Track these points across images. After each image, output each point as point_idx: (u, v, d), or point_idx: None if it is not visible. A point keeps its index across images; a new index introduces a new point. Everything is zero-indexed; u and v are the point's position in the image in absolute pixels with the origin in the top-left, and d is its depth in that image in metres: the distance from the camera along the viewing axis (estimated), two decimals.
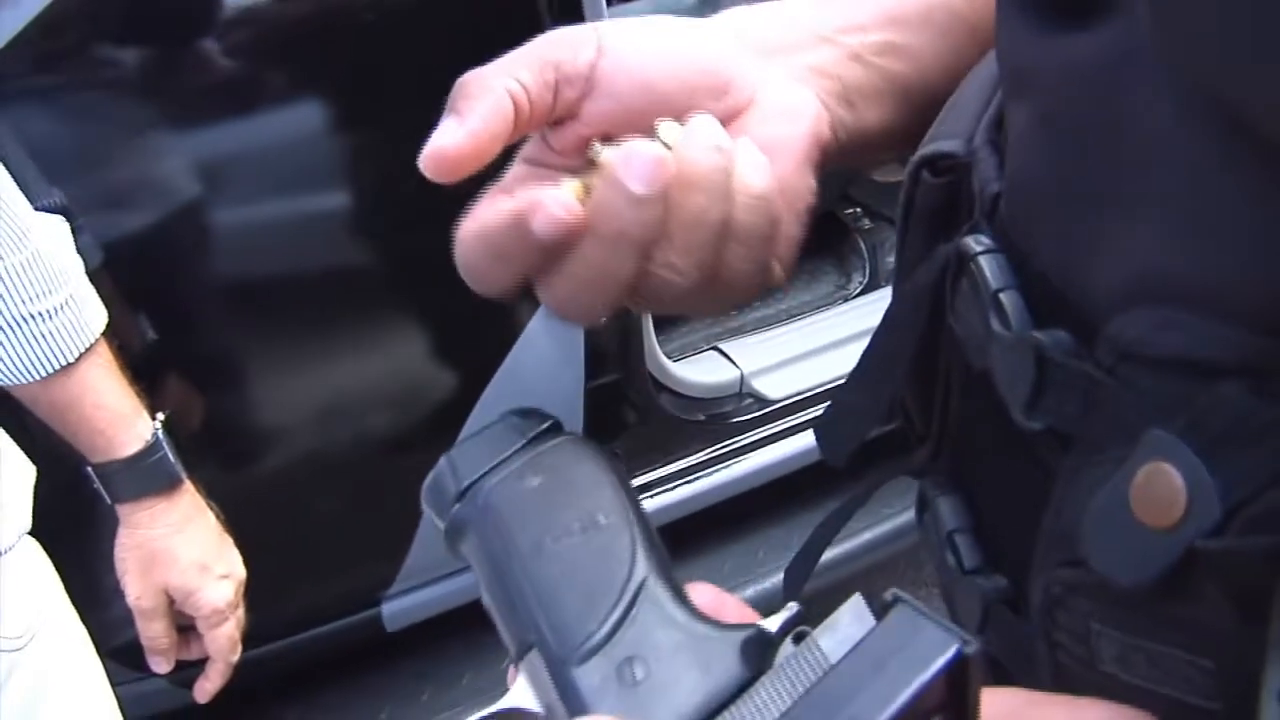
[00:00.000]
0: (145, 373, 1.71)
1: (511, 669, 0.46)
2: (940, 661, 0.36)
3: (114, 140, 1.64)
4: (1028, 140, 0.52)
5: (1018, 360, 0.49)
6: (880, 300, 2.53)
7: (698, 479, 2.29)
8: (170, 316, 1.75)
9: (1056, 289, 0.49)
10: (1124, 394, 0.45)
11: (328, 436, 1.91)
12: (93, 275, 1.37)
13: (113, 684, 1.83)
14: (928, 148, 0.60)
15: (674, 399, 2.26)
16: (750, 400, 2.37)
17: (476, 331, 1.94)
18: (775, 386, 2.38)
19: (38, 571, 1.05)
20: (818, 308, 2.62)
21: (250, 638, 1.96)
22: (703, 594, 0.45)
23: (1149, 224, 0.44)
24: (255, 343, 1.83)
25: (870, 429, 0.61)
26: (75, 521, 1.75)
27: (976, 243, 0.52)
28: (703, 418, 2.32)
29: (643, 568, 0.44)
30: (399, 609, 2.04)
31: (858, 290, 2.70)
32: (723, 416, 2.35)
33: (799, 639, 0.40)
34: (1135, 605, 0.44)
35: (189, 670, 1.94)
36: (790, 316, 2.59)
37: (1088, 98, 0.47)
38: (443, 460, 0.50)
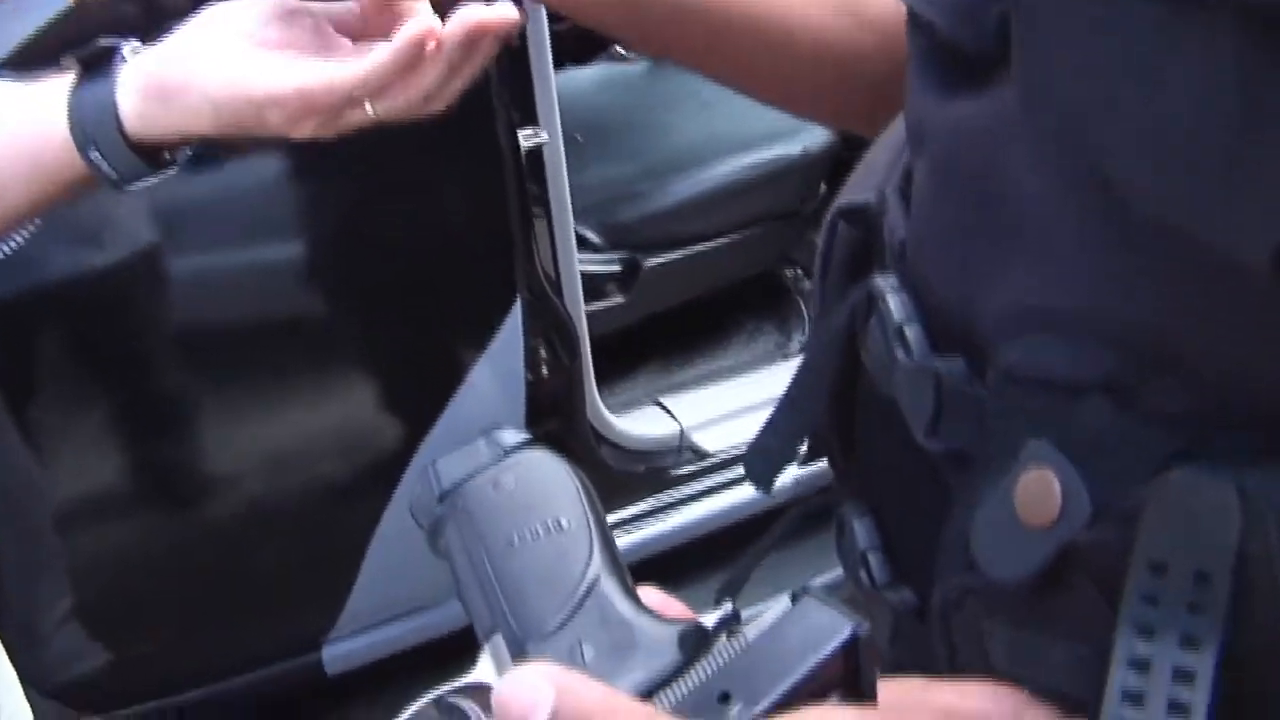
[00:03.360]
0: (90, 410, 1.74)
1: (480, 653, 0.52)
2: (835, 641, 0.41)
3: None
4: (925, 191, 0.58)
5: (919, 387, 0.54)
6: None
7: (638, 530, 2.34)
8: (115, 361, 1.79)
9: (953, 322, 0.54)
10: (1009, 413, 0.50)
11: (271, 481, 1.94)
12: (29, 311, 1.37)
13: None
14: (843, 200, 0.65)
15: (614, 451, 2.30)
16: (690, 453, 2.42)
17: (420, 382, 1.98)
18: (715, 440, 2.43)
19: None
20: (757, 365, 2.66)
21: (191, 679, 1.98)
22: (651, 595, 0.50)
23: (1023, 264, 0.50)
24: (204, 389, 1.85)
25: (791, 458, 0.66)
26: (7, 555, 1.77)
27: (884, 283, 0.58)
28: (643, 470, 2.37)
29: (597, 567, 0.49)
30: (340, 653, 2.06)
31: (797, 349, 2.74)
32: (663, 469, 2.39)
33: (731, 633, 0.45)
34: (1018, 601, 0.49)
35: (126, 711, 1.95)
36: (731, 373, 2.63)
37: (972, 155, 0.53)
38: (428, 467, 0.55)
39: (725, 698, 0.42)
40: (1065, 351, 0.48)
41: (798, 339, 2.78)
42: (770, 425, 0.67)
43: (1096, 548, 0.44)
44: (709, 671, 0.43)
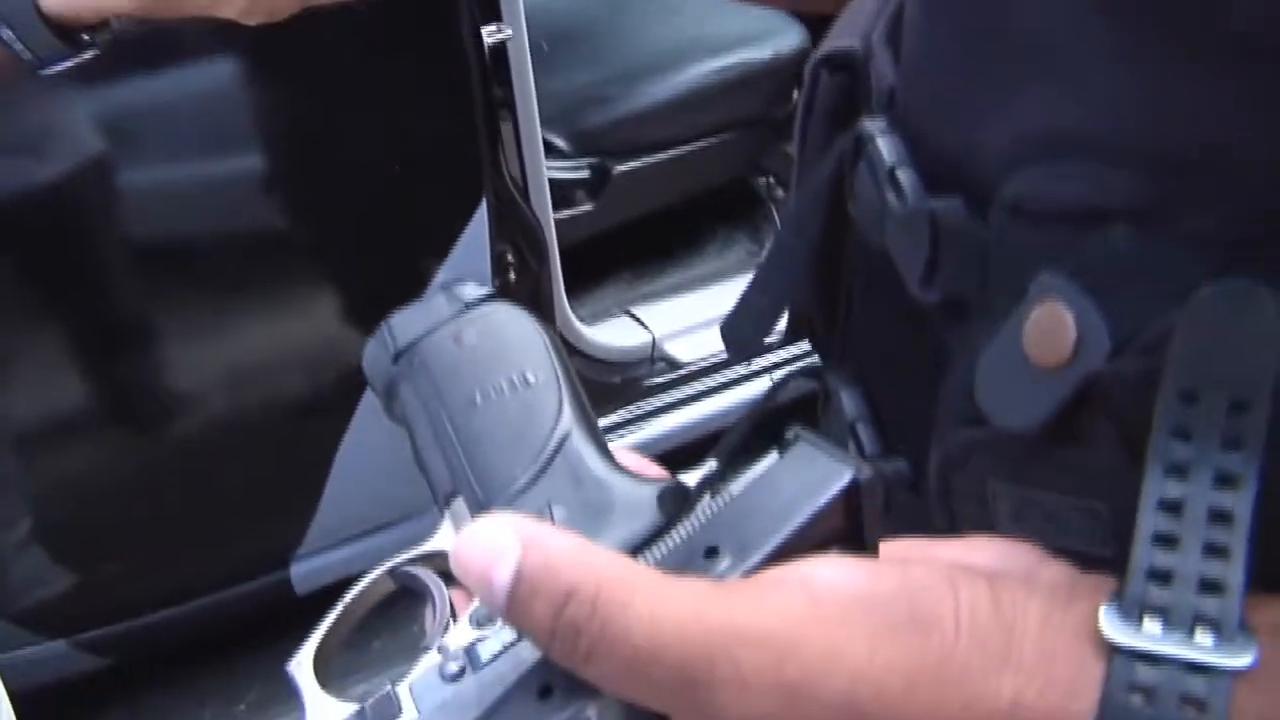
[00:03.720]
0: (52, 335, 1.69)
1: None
2: (834, 488, 0.37)
3: (13, 90, 1.60)
4: (919, 27, 0.54)
5: (914, 232, 0.50)
6: None
7: (610, 441, 2.28)
8: (69, 277, 1.72)
9: (949, 162, 0.50)
10: (1014, 251, 0.46)
11: (235, 398, 1.88)
12: None
13: (15, 648, 1.80)
14: (826, 47, 0.61)
15: (585, 362, 2.26)
16: (663, 363, 2.38)
17: (386, 295, 1.92)
18: (687, 350, 2.39)
19: None
20: (730, 274, 2.62)
21: (157, 601, 1.94)
22: (627, 457, 0.46)
23: (1035, 89, 0.46)
24: (162, 305, 1.79)
25: (772, 325, 0.62)
26: None
27: (873, 126, 0.54)
28: (616, 381, 2.33)
29: (567, 422, 0.45)
30: (308, 570, 2.02)
31: None
32: (635, 380, 2.35)
33: (714, 491, 0.41)
34: (1029, 455, 0.45)
35: (93, 634, 1.92)
36: (703, 282, 2.59)
37: None
38: (382, 325, 0.51)
39: (712, 552, 0.37)
40: (1083, 177, 0.44)
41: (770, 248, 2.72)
42: (750, 291, 0.63)
43: (1117, 384, 0.40)
44: (693, 528, 0.39)
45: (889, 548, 0.39)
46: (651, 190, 2.52)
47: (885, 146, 0.52)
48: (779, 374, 2.35)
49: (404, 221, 1.89)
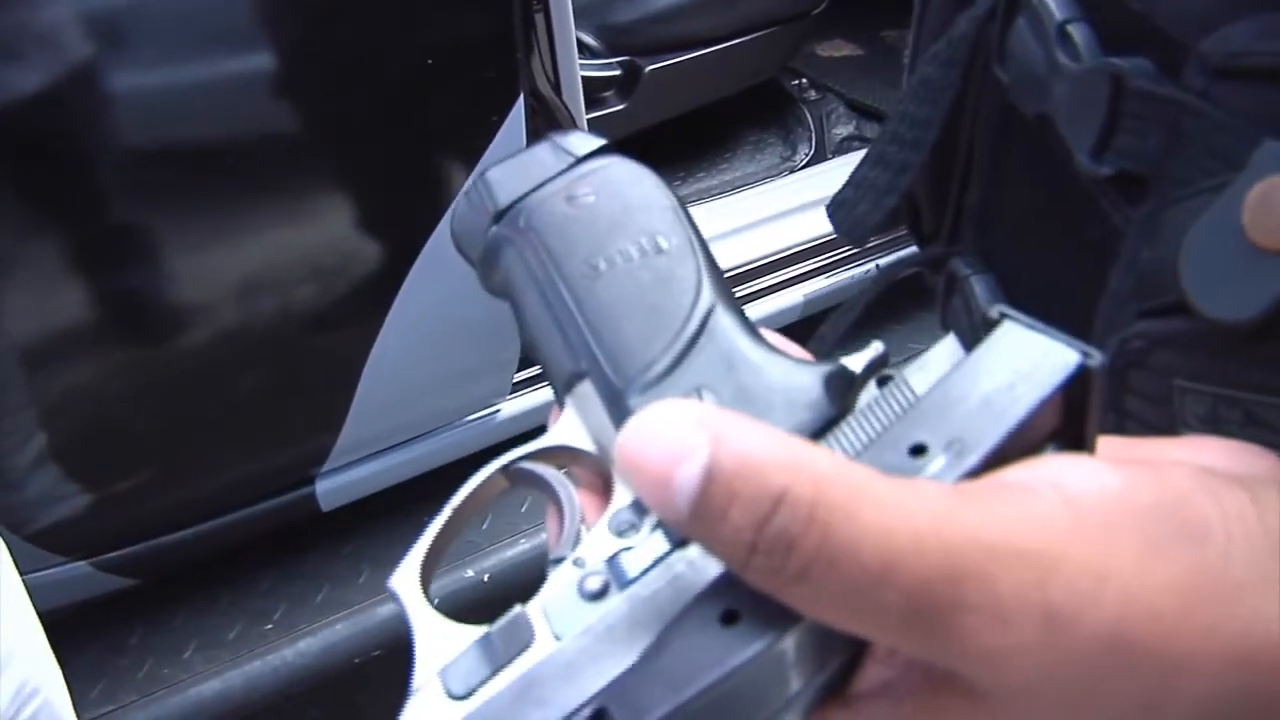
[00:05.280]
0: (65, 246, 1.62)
1: (555, 410, 0.40)
2: (1061, 374, 0.29)
3: None
4: None
5: (1088, 95, 0.43)
6: (828, 173, 2.47)
7: None
8: (85, 181, 1.63)
9: (1131, 17, 0.43)
10: (1219, 116, 0.39)
11: (255, 309, 1.80)
12: None
13: (36, 570, 1.75)
14: None
15: None
16: None
17: (406, 202, 1.84)
18: (722, 256, 2.30)
19: None
20: (763, 178, 2.54)
21: (181, 518, 1.89)
22: (773, 338, 0.39)
23: None
24: (173, 213, 1.71)
25: (891, 204, 0.55)
26: None
27: None
28: None
29: (710, 295, 0.38)
30: (333, 487, 1.96)
31: (804, 162, 2.63)
32: None
33: (884, 379, 0.34)
34: (1236, 350, 0.38)
35: (115, 554, 1.87)
36: (735, 187, 2.51)
37: None
38: (475, 181, 0.44)
39: (919, 450, 0.30)
40: None
41: (804, 151, 2.66)
42: (864, 167, 0.56)
43: None
44: (885, 418, 0.31)
45: (1110, 447, 0.32)
46: (683, 90, 2.45)
47: None
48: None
49: (438, 119, 1.80)
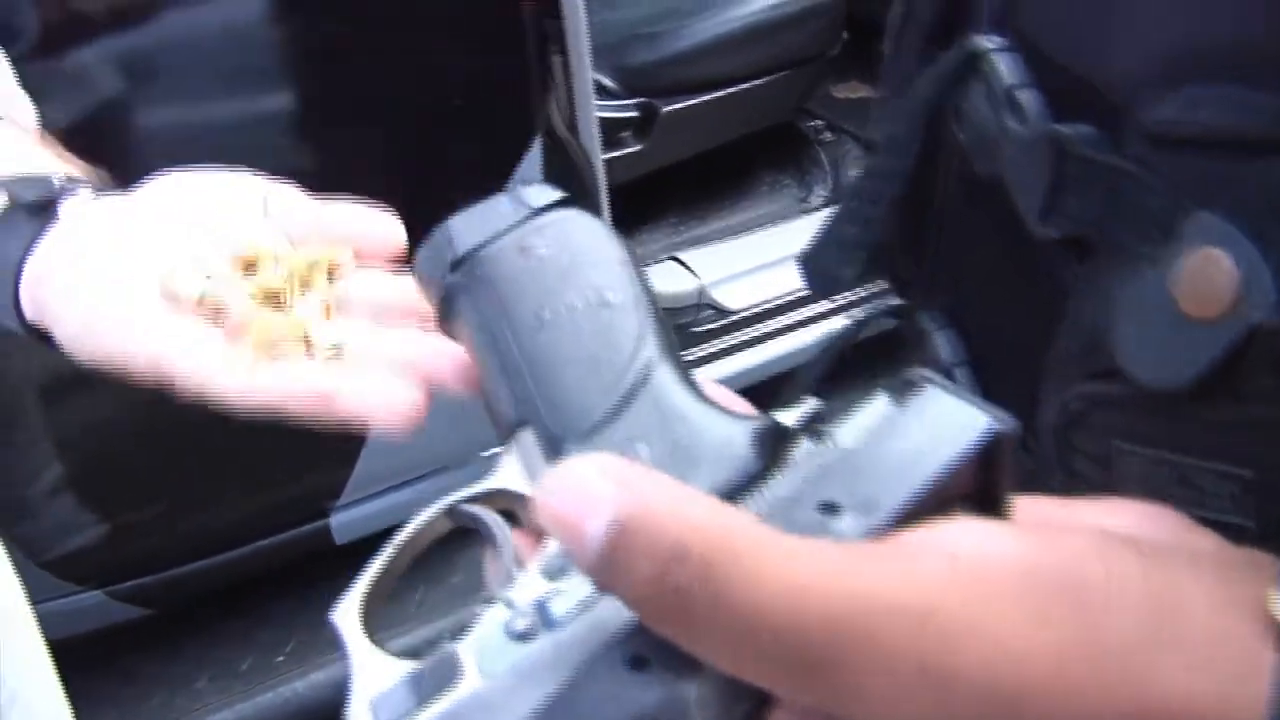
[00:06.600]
0: None
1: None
2: (972, 439, 0.31)
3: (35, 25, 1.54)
4: None
5: (1034, 159, 0.45)
6: None
7: None
8: None
9: (1076, 82, 0.45)
10: (1155, 183, 0.41)
11: None
12: None
13: (50, 598, 1.77)
14: None
15: None
16: (710, 310, 2.33)
17: (421, 242, 1.86)
18: (735, 296, 2.34)
19: None
20: (778, 219, 2.56)
21: (196, 549, 1.91)
22: (713, 389, 0.40)
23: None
24: None
25: (859, 256, 0.56)
26: None
27: (989, 41, 0.49)
28: None
29: (651, 349, 0.40)
30: (348, 520, 1.98)
31: (819, 203, 2.65)
32: (682, 326, 2.31)
33: (816, 435, 0.35)
34: (1170, 413, 0.40)
35: (129, 584, 1.89)
36: (750, 227, 2.53)
37: None
38: (437, 228, 0.45)
39: (831, 508, 0.31)
40: (1238, 98, 0.38)
41: (819, 192, 2.68)
42: (836, 220, 0.57)
43: None
44: (802, 476, 0.33)
45: (1024, 509, 0.33)
46: (699, 131, 2.47)
47: (1004, 64, 0.47)
48: (856, 312, 2.29)
49: (455, 160, 1.82)
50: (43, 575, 1.77)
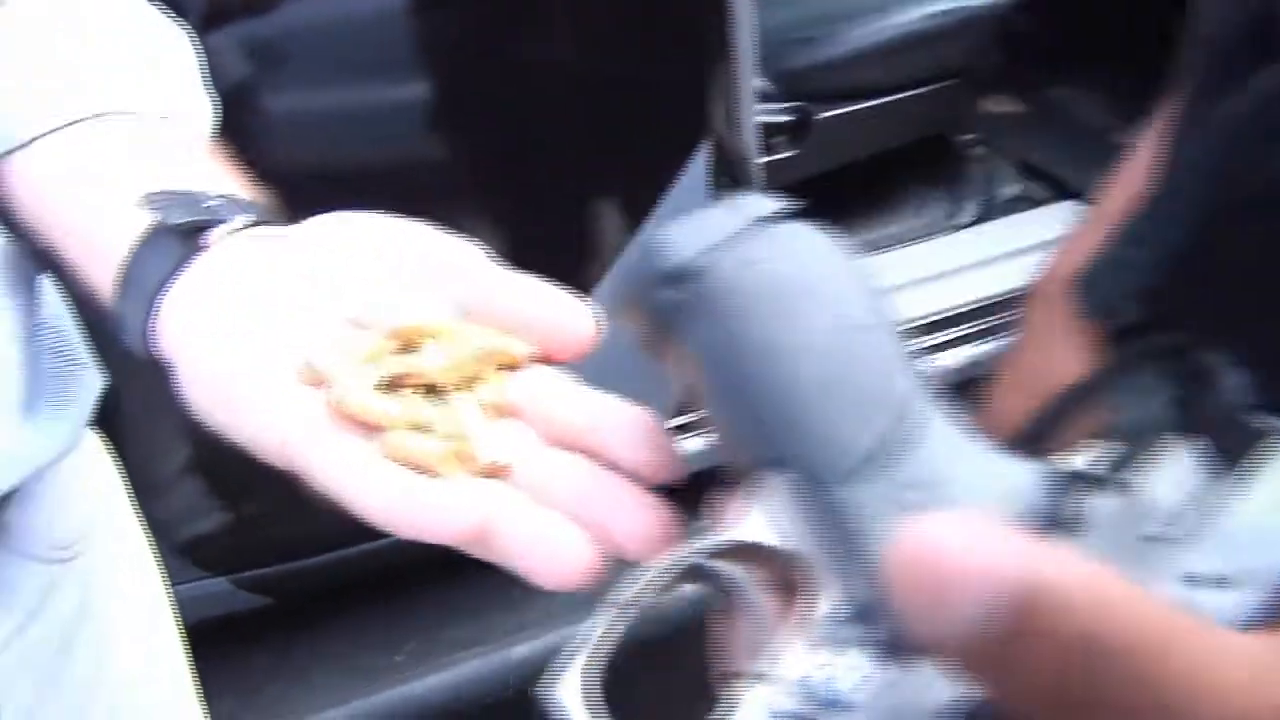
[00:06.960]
0: None
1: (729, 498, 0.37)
2: None
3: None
4: None
5: None
6: (996, 233, 2.40)
7: None
8: None
9: None
10: None
11: None
12: None
13: (177, 583, 1.75)
14: None
15: None
16: None
17: (548, 242, 1.81)
18: None
19: (96, 468, 0.85)
20: (927, 235, 2.50)
21: (319, 543, 1.88)
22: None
23: None
24: None
25: (1148, 281, 0.49)
26: (131, 402, 1.65)
27: None
28: None
29: (908, 376, 0.35)
30: None
31: (968, 220, 2.57)
32: None
33: (1116, 486, 0.30)
34: None
35: (254, 572, 1.86)
36: (898, 241, 2.47)
37: None
38: (644, 238, 0.38)
39: (1194, 580, 0.27)
40: None
41: (969, 209, 2.59)
42: (1117, 242, 0.50)
43: None
44: (1130, 536, 0.29)
45: None
46: (852, 140, 2.42)
47: None
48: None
49: (626, 162, 1.78)
50: (170, 559, 1.75)
